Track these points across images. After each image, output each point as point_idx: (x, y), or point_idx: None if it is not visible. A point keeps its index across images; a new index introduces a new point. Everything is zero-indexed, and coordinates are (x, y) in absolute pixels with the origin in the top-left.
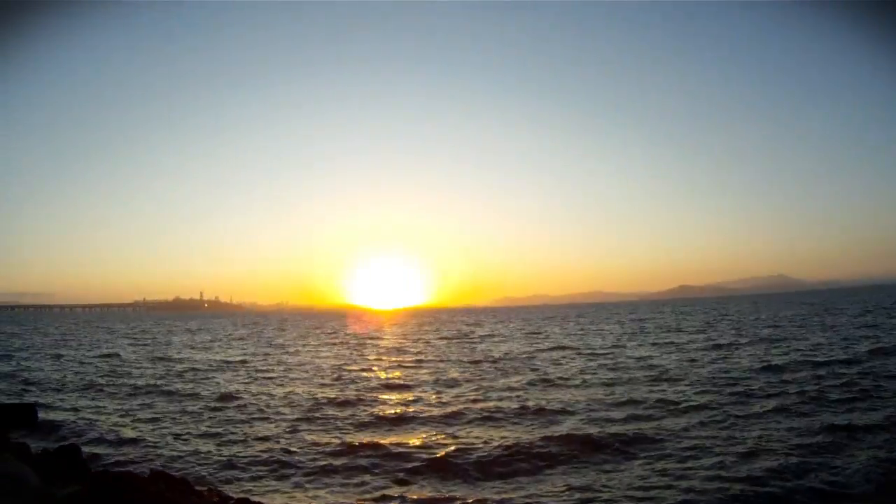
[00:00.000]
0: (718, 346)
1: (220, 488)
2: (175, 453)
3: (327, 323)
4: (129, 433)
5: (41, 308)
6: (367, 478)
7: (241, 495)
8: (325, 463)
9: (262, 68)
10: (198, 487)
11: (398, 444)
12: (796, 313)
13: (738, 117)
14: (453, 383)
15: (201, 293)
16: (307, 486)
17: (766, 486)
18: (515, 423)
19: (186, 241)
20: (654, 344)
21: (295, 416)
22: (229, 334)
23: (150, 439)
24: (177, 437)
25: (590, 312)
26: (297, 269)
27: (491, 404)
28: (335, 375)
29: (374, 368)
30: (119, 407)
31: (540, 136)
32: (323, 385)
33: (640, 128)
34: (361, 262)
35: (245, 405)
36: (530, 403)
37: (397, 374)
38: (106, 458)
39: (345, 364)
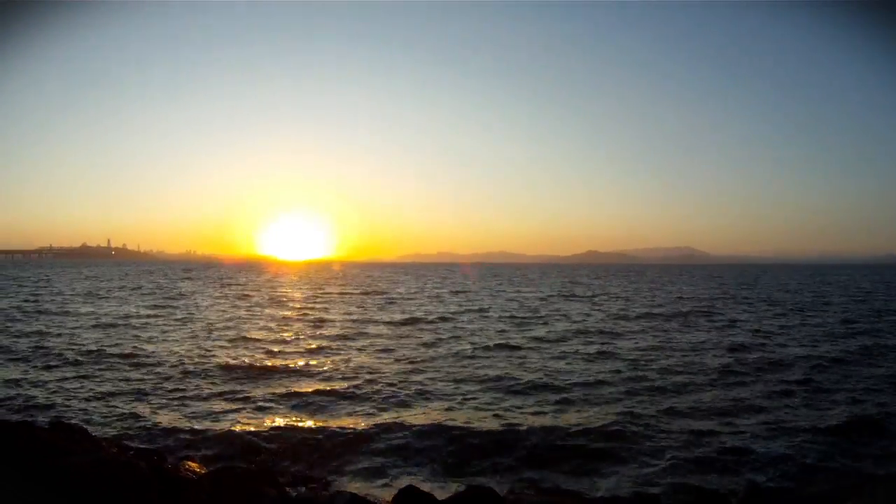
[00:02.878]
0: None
1: (119, 437)
2: (74, 408)
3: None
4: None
5: None
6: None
7: (144, 446)
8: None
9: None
10: (96, 436)
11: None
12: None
13: (653, 93)
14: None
15: (109, 240)
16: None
17: None
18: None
19: (97, 188)
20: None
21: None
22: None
23: (52, 398)
24: (75, 393)
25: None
26: (205, 219)
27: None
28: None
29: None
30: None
31: (452, 100)
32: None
33: (556, 95)
34: (271, 213)
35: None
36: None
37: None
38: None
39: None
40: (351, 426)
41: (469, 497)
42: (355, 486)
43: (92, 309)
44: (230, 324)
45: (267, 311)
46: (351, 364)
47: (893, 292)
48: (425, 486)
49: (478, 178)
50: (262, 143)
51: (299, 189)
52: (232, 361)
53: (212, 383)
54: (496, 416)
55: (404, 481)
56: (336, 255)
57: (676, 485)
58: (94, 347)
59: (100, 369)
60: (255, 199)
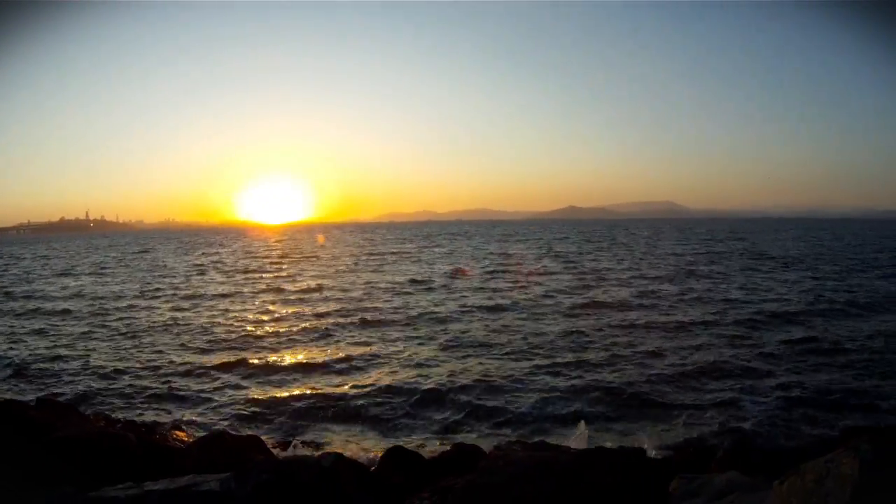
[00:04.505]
0: None
1: (107, 412)
2: (61, 386)
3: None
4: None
5: None
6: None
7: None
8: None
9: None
10: (84, 411)
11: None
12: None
13: (631, 49)
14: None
15: (87, 213)
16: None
17: None
18: None
19: (73, 161)
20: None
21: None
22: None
23: (36, 368)
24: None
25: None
26: (184, 187)
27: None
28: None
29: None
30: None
31: (428, 58)
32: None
33: (533, 49)
34: (249, 178)
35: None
36: None
37: None
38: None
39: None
40: (338, 393)
41: (455, 455)
42: (342, 448)
43: (71, 284)
44: (213, 296)
45: (252, 281)
46: (335, 334)
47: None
48: (412, 447)
49: (456, 135)
50: (238, 108)
51: (277, 152)
52: (216, 336)
53: (197, 358)
54: (480, 380)
55: (391, 442)
56: (315, 216)
57: (663, 436)
58: (76, 327)
59: (84, 349)
60: (233, 164)
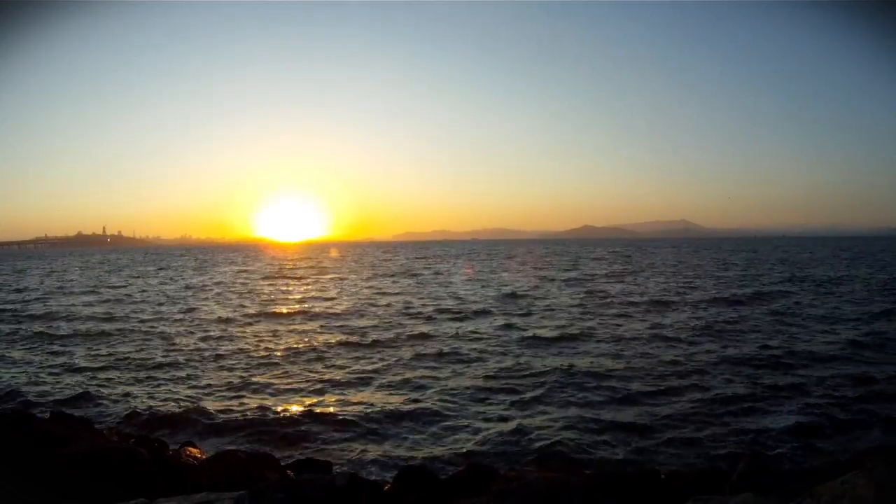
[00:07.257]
0: None
1: (120, 427)
2: (74, 399)
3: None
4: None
5: None
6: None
7: (145, 434)
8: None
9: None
10: (98, 426)
11: None
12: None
13: (642, 68)
14: None
15: (104, 228)
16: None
17: None
18: None
19: (92, 177)
20: None
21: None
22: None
23: (50, 382)
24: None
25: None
26: (201, 203)
27: None
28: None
29: None
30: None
31: (445, 79)
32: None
33: (548, 68)
34: (266, 196)
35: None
36: None
37: None
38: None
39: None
40: (354, 412)
41: (469, 475)
42: (356, 468)
43: (93, 300)
44: (230, 315)
45: (272, 299)
46: (354, 354)
47: None
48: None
49: (472, 155)
50: (256, 126)
51: (294, 171)
52: (232, 350)
53: (211, 372)
54: (493, 403)
55: (405, 462)
56: (332, 235)
57: (677, 457)
58: (93, 343)
59: (99, 364)
60: (251, 182)
